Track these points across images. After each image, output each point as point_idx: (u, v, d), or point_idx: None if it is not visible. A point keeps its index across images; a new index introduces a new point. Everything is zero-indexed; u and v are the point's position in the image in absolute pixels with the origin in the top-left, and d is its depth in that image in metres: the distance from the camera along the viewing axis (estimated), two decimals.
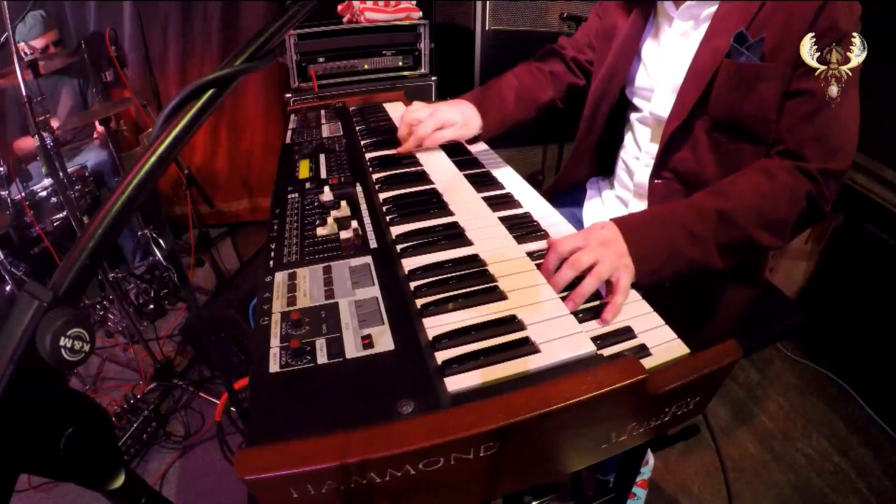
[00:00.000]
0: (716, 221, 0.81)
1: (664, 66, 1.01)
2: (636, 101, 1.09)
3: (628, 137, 1.15)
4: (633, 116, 1.11)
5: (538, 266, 0.76)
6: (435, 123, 1.12)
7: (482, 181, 1.04)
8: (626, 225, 0.79)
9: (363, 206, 0.92)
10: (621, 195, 1.19)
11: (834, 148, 0.83)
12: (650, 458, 1.44)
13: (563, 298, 0.69)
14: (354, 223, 0.81)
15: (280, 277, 0.72)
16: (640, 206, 1.12)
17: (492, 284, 0.71)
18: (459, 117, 1.15)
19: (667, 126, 0.96)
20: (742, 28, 0.84)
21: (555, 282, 0.72)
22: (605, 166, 1.26)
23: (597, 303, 0.71)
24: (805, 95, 0.82)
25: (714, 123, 0.91)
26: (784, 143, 0.86)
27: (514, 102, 1.20)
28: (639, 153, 1.10)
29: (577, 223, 1.24)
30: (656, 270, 0.77)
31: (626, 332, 0.65)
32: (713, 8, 0.90)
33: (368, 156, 1.16)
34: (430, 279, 0.72)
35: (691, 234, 0.81)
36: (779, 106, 0.85)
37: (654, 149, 1.04)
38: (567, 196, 1.31)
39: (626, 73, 1.08)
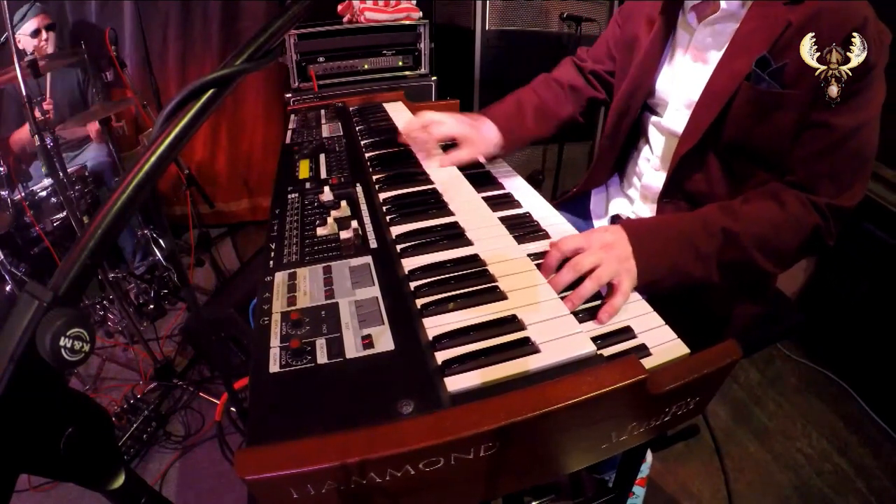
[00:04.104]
0: (721, 240, 0.80)
1: (679, 79, 0.98)
2: (652, 107, 1.07)
3: (641, 140, 1.14)
4: (651, 119, 1.08)
5: (538, 266, 0.76)
6: (448, 130, 1.09)
7: (482, 181, 1.04)
8: (633, 232, 0.79)
9: (363, 206, 0.92)
10: (629, 193, 1.19)
11: (847, 185, 0.82)
12: (648, 455, 1.44)
13: (563, 298, 0.69)
14: (354, 223, 0.81)
15: (280, 277, 0.72)
16: (644, 207, 1.12)
17: (492, 284, 0.71)
18: (476, 135, 1.10)
19: (678, 148, 0.93)
20: (764, 51, 0.81)
21: (555, 282, 0.72)
22: (617, 164, 1.24)
23: (597, 303, 0.71)
24: (823, 129, 0.80)
25: (727, 147, 0.89)
26: (796, 174, 0.84)
27: (533, 120, 1.16)
28: (650, 156, 1.09)
29: (581, 222, 1.24)
30: (657, 281, 0.78)
31: (626, 332, 0.65)
32: (735, 26, 0.87)
33: (368, 155, 1.16)
34: (431, 279, 0.72)
35: (696, 251, 0.80)
36: (795, 133, 0.82)
37: (662, 154, 1.03)
38: (575, 207, 1.29)
39: (647, 89, 1.05)
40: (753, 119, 0.84)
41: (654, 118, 1.07)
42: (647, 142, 1.10)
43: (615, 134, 1.14)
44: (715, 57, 0.90)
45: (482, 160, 1.15)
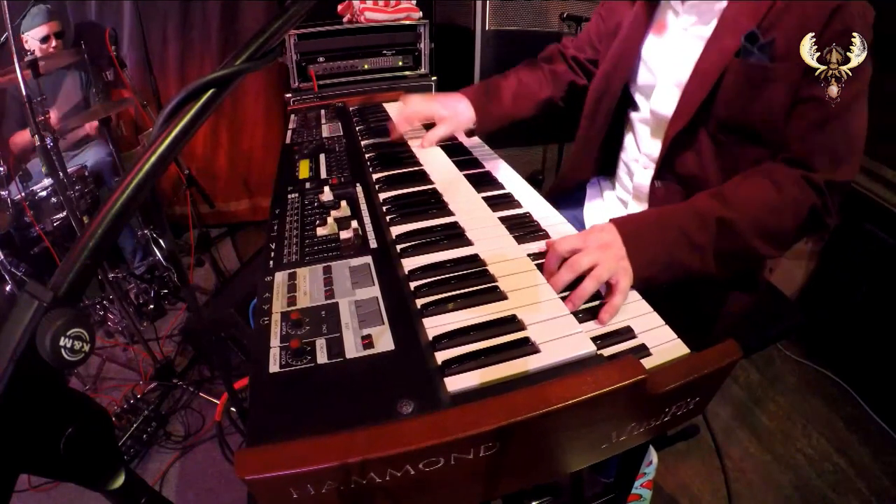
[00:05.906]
0: (716, 230, 0.79)
1: (667, 61, 0.98)
2: (637, 98, 1.07)
3: (629, 138, 1.14)
4: (634, 116, 1.08)
5: (538, 266, 0.76)
6: (424, 109, 1.19)
7: (482, 181, 1.04)
8: (625, 228, 0.78)
9: (363, 206, 0.92)
10: (622, 196, 1.19)
11: (841, 158, 0.82)
12: (654, 458, 1.43)
13: (564, 299, 0.69)
14: (354, 223, 0.81)
15: (280, 277, 0.72)
16: (638, 208, 1.11)
17: (492, 284, 0.71)
18: (449, 111, 1.18)
19: (669, 128, 0.93)
20: (752, 27, 0.82)
21: (554, 282, 0.72)
22: (607, 166, 1.24)
23: (597, 303, 0.71)
24: (815, 102, 0.80)
25: (719, 125, 0.89)
26: (790, 150, 0.84)
27: (510, 100, 1.22)
28: (638, 155, 1.09)
29: (579, 225, 1.24)
30: (653, 276, 0.77)
31: (626, 332, 0.65)
32: (721, 5, 0.87)
33: (368, 155, 1.16)
34: (430, 279, 0.72)
35: (691, 243, 0.79)
36: (787, 109, 0.83)
37: (654, 150, 1.02)
38: (568, 197, 1.30)
39: (628, 70, 1.05)
40: (744, 95, 0.84)
41: (636, 113, 1.08)
42: (635, 140, 1.10)
43: (593, 116, 1.15)
44: (702, 35, 0.90)
45: (462, 138, 1.24)
